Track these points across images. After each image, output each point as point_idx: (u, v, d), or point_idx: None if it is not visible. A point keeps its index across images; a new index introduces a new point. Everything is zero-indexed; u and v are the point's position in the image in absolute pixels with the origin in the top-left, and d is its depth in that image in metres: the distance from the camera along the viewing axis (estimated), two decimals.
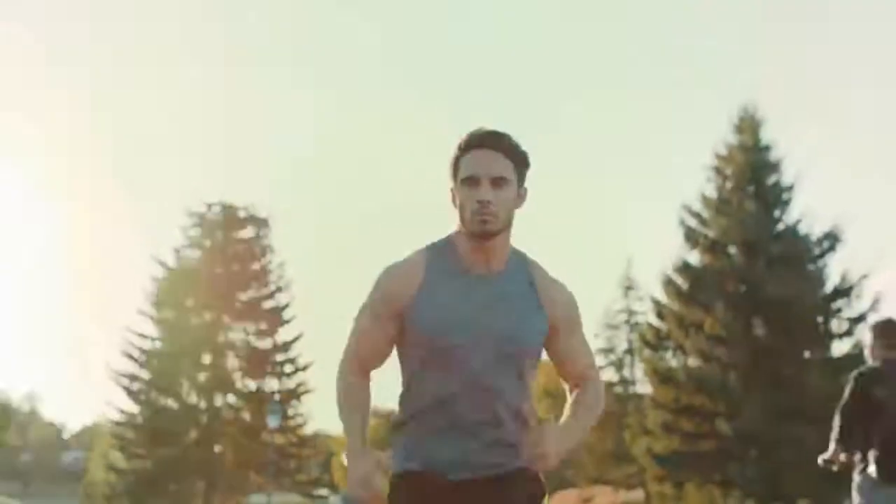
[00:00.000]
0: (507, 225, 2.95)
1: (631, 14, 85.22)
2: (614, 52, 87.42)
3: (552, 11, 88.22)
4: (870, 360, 6.63)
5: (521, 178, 2.97)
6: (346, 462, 2.89)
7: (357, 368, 3.05)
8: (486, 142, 2.93)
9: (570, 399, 3.13)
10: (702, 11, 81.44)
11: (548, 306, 2.99)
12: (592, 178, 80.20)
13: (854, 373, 6.56)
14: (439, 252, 2.99)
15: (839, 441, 6.53)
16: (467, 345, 2.90)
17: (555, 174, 65.36)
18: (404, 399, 3.04)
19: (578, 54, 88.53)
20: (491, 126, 3.00)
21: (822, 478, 23.90)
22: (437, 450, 2.96)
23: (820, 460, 6.55)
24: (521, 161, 2.96)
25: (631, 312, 42.20)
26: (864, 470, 6.46)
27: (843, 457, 6.52)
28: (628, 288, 42.73)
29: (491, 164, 2.90)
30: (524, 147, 3.00)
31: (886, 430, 6.33)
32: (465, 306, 2.92)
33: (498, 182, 2.90)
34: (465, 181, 2.92)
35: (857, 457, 6.50)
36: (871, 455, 6.38)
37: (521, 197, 2.99)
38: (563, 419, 3.07)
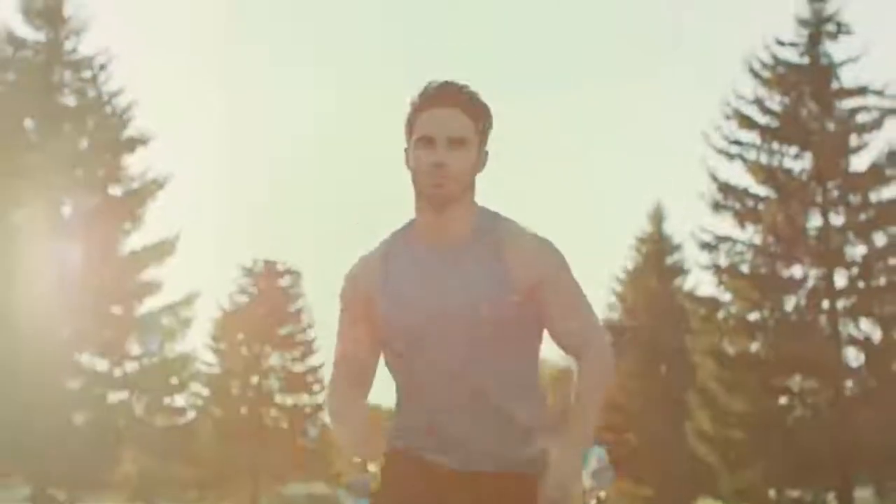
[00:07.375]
0: (466, 191, 2.56)
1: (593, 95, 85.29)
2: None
3: None
4: None
5: (483, 139, 2.58)
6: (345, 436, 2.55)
7: (345, 377, 2.66)
8: (444, 97, 2.54)
9: (575, 376, 2.65)
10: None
11: (519, 269, 2.55)
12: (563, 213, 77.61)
13: None
14: (399, 235, 2.65)
15: None
16: (429, 333, 2.54)
17: (529, 202, 66.32)
18: (396, 410, 2.70)
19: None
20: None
21: (702, 472, 33.93)
22: (426, 449, 2.62)
23: None
24: (483, 118, 2.57)
25: None
26: None
27: None
28: None
29: (448, 122, 2.52)
30: (488, 103, 2.57)
31: None
32: (420, 289, 2.57)
33: (456, 143, 2.52)
34: (420, 141, 2.53)
35: None
36: None
37: (482, 161, 2.59)
38: (571, 419, 2.60)
